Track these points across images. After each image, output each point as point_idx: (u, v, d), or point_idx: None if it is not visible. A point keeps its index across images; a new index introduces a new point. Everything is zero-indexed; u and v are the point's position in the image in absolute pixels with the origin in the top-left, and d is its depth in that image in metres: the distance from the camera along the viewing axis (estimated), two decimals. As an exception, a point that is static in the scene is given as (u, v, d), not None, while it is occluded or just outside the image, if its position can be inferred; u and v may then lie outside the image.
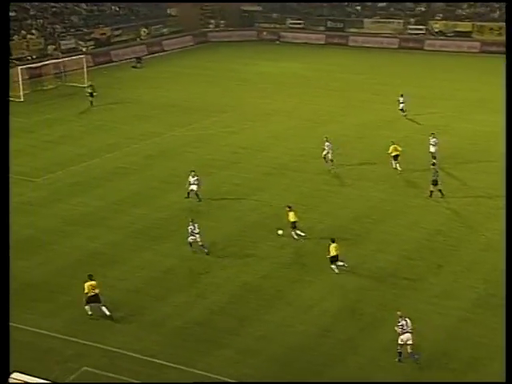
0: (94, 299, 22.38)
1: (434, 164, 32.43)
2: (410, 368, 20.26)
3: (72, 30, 63.67)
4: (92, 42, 64.54)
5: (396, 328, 20.22)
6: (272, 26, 75.61)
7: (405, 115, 44.05)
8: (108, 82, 55.25)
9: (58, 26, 62.84)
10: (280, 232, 27.14)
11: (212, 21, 77.21)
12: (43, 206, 30.99)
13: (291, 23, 75.14)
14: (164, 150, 38.70)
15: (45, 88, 52.47)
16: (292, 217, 27.48)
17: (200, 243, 26.48)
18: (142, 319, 22.44)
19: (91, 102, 47.65)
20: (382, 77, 56.35)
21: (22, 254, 26.42)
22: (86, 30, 64.69)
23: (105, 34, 65.82)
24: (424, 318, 22.42)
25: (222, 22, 77.47)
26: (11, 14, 60.69)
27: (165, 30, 72.54)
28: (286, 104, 48.61)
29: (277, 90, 52.61)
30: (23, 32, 59.36)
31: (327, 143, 35.39)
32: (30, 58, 58.45)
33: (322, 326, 22.10)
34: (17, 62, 55.00)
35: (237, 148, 39.08)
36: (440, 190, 31.52)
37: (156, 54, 66.89)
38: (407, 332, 20.03)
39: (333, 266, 25.13)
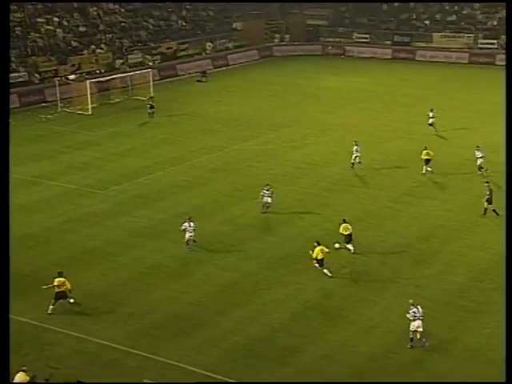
0: (60, 295, 23.37)
1: (487, 182, 31.77)
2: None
3: (139, 45, 65.17)
4: (158, 57, 65.80)
5: (407, 315, 21.42)
6: (337, 40, 75.43)
7: (435, 131, 43.46)
8: (173, 95, 56.19)
9: (125, 41, 64.45)
10: (337, 245, 27.10)
11: (277, 35, 77.60)
12: (108, 218, 31.62)
13: (357, 37, 74.76)
14: (227, 164, 38.98)
15: (112, 101, 53.78)
16: (344, 230, 27.54)
17: (193, 239, 28.24)
18: (203, 333, 22.52)
19: (151, 114, 48.48)
20: (449, 92, 55.36)
21: (86, 264, 26.99)
22: (152, 45, 66.05)
23: (171, 48, 67.04)
24: (493, 343, 21.71)
25: (286, 36, 77.74)
26: (82, 29, 62.63)
27: (230, 45, 73.31)
28: (351, 119, 48.26)
29: (341, 104, 52.34)
30: (93, 46, 61.09)
31: (356, 147, 37.08)
32: (98, 71, 60.06)
33: (385, 347, 21.68)
34: (86, 76, 56.62)
35: (300, 163, 39.00)
36: (494, 210, 30.66)
37: (221, 68, 67.61)
38: (418, 319, 21.32)
39: (325, 271, 25.61)
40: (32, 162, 39.47)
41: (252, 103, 53.08)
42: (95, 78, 55.64)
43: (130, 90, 55.43)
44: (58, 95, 52.11)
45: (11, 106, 51.34)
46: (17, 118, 49.40)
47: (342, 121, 47.77)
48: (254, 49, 73.57)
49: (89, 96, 50.31)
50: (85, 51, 60.13)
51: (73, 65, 58.32)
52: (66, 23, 62.88)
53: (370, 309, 23.80)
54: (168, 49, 66.85)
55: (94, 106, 50.89)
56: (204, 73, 63.11)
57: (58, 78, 55.87)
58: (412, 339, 21.32)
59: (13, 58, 54.68)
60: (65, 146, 42.78)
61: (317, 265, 25.74)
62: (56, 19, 62.47)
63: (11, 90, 52.76)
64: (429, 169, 35.95)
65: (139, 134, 45.25)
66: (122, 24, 66.70)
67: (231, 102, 53.49)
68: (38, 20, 61.33)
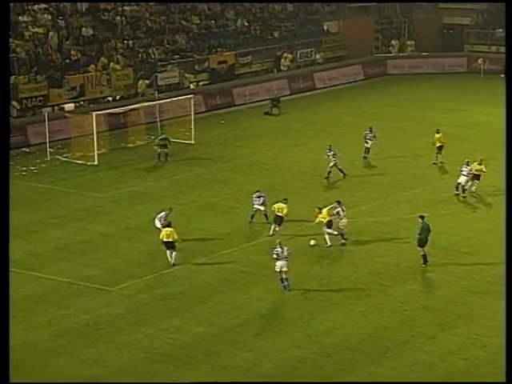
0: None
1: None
2: None
3: (175, 57, 66.26)
4: (205, 75, 67.00)
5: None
6: (494, 49, 75.26)
7: None
8: (227, 136, 56.85)
9: (154, 51, 65.54)
10: (312, 242, 37.81)
11: (394, 42, 78.11)
12: (116, 333, 31.80)
13: (528, 44, 74.54)
14: (306, 246, 38.98)
15: (131, 145, 54.73)
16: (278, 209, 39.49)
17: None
18: None
19: (162, 157, 50.55)
20: None
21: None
22: (196, 57, 67.22)
23: (225, 62, 68.17)
24: None
25: (409, 42, 78.21)
26: (88, 32, 63.82)
27: (318, 56, 74.18)
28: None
29: (494, 152, 51.89)
30: (103, 60, 61.98)
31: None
32: (111, 99, 61.29)
33: None
34: (91, 106, 57.81)
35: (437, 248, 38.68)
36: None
37: (303, 94, 68.37)
38: (281, 259, 34.07)
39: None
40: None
41: (350, 149, 52.94)
42: (105, 108, 56.97)
43: (158, 128, 56.39)
44: (47, 135, 53.23)
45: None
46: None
47: (495, 180, 47.02)
48: (357, 63, 74.24)
49: (95, 137, 51.37)
50: (91, 67, 61.34)
51: (72, 88, 59.61)
52: (63, 23, 63.96)
53: None
54: (220, 63, 68.06)
55: (102, 152, 51.93)
56: (276, 101, 63.81)
57: (49, 109, 57.21)
58: (281, 280, 34.02)
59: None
60: (55, 215, 43.47)
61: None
62: (47, 16, 63.51)
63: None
64: None
65: (172, 197, 45.71)
66: (150, 25, 68.13)
67: (317, 148, 53.49)
68: (20, 19, 62.05)
